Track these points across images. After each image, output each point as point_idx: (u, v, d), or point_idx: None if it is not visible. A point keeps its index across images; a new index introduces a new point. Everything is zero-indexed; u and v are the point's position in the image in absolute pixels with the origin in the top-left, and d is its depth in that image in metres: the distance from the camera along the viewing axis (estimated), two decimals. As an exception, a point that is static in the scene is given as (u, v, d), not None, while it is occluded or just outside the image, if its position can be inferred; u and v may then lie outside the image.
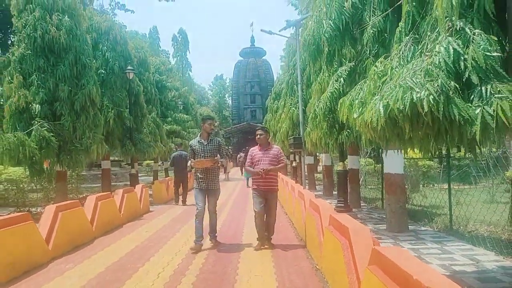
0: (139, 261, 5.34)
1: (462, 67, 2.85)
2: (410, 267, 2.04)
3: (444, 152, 7.73)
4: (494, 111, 2.66)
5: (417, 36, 3.52)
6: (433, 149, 3.29)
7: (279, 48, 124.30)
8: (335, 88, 7.21)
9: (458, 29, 2.95)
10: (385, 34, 5.28)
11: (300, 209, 6.75)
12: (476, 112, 2.72)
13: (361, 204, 10.23)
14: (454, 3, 2.87)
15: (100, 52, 12.43)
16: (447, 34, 2.99)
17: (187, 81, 44.80)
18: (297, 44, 11.22)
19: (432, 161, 13.32)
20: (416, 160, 11.89)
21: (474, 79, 2.79)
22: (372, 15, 5.55)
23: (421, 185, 13.19)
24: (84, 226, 7.00)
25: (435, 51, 2.97)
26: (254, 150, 6.00)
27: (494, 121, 2.65)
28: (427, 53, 3.09)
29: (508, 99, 2.66)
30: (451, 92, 2.79)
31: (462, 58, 2.85)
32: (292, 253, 5.53)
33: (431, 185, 14.15)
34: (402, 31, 3.78)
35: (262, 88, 56.79)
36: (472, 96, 2.80)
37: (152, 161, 23.66)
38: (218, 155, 6.11)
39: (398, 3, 4.55)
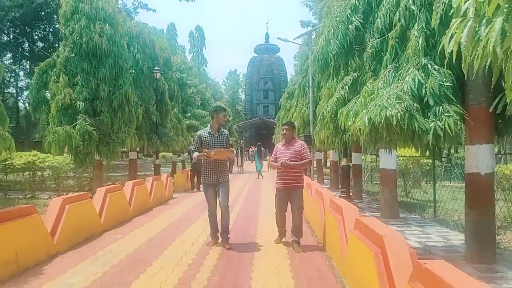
0: (174, 234, 6.64)
1: (423, 93, 4.02)
2: (463, 286, 1.87)
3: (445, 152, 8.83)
4: (443, 125, 3.84)
5: (397, 65, 4.69)
6: (404, 149, 4.48)
7: (293, 45, 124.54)
8: (341, 94, 8.36)
9: (423, 64, 4.13)
10: (381, 54, 6.42)
11: (318, 209, 6.38)
12: (431, 126, 3.90)
13: (363, 196, 11.41)
14: (420, 47, 4.04)
15: (131, 54, 13.74)
16: (416, 68, 4.17)
17: (202, 76, 46.06)
18: (309, 51, 12.38)
19: (436, 160, 14.36)
20: (417, 158, 12.96)
21: (431, 102, 3.96)
22: (371, 37, 6.67)
23: (423, 182, 14.25)
24: (124, 207, 8.34)
25: (406, 80, 4.15)
26: (278, 146, 5.79)
27: (443, 132, 3.83)
28: (400, 81, 4.27)
29: (453, 117, 3.84)
30: (414, 111, 3.97)
31: (424, 86, 4.03)
32: (309, 256, 5.14)
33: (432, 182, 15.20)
34: (388, 59, 4.95)
35: (275, 84, 57.94)
36: (429, 114, 3.99)
37: (168, 153, 25.13)
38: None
39: (393, 30, 5.68)
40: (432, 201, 9.69)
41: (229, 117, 42.60)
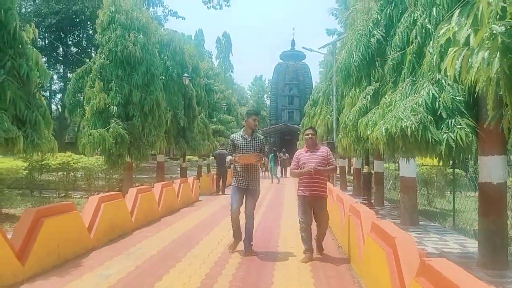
0: (201, 233, 7.03)
1: (437, 106, 4.26)
2: (460, 280, 2.08)
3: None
4: (455, 137, 4.07)
5: (414, 79, 4.93)
6: (421, 159, 4.71)
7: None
8: (363, 104, 8.58)
9: (437, 79, 4.36)
10: (402, 66, 6.65)
11: (338, 213, 6.53)
12: (444, 137, 4.13)
13: (385, 203, 11.51)
14: (435, 63, 4.28)
15: (162, 61, 14.36)
16: (430, 82, 4.41)
17: (228, 82, 46.79)
18: (333, 60, 12.63)
19: (460, 169, 14.26)
20: (441, 168, 12.93)
21: (444, 114, 4.20)
22: (392, 50, 6.91)
23: (448, 192, 14.16)
24: (154, 207, 8.82)
25: (421, 94, 4.40)
26: (301, 152, 5.44)
27: (455, 143, 4.06)
28: (416, 94, 4.52)
29: (465, 129, 4.06)
30: (428, 123, 4.21)
31: (437, 100, 4.26)
32: (333, 268, 4.89)
33: (458, 192, 15.07)
34: (406, 73, 5.19)
35: (300, 91, 58.08)
36: (442, 126, 4.22)
37: (193, 157, 25.79)
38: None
39: (411, 46, 5.91)
40: (456, 211, 9.74)
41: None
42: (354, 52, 7.63)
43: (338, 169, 15.27)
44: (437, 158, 4.38)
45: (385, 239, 3.56)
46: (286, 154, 25.43)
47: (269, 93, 65.32)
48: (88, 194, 13.05)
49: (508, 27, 1.77)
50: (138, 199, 7.95)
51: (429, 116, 4.23)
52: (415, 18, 5.12)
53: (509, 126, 2.15)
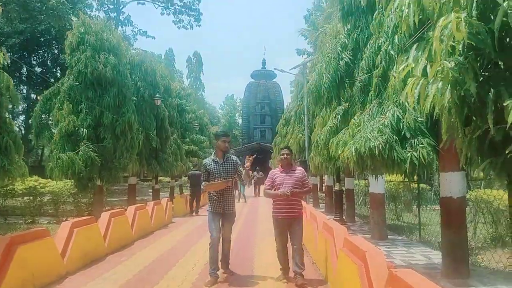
0: (176, 256, 7.01)
1: (401, 126, 4.56)
2: None
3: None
4: (418, 155, 4.35)
5: (380, 100, 5.25)
6: (389, 175, 4.98)
7: (290, 68, 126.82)
8: (333, 123, 8.90)
9: (400, 102, 4.67)
10: (369, 87, 7.02)
11: (312, 230, 6.63)
12: (408, 155, 4.42)
13: (356, 220, 11.82)
14: (398, 87, 4.60)
15: (133, 82, 14.29)
16: (394, 105, 4.72)
17: (200, 102, 46.87)
18: (304, 81, 13.06)
19: (425, 184, 14.85)
20: (408, 183, 13.45)
21: (408, 134, 4.50)
22: (360, 73, 7.30)
23: (414, 206, 14.70)
24: (127, 230, 8.70)
25: (387, 115, 4.69)
26: (275, 172, 5.30)
27: (418, 161, 4.34)
28: (382, 115, 4.82)
29: (426, 148, 4.36)
30: (393, 142, 4.49)
31: (401, 121, 4.56)
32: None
33: (423, 206, 15.67)
34: (372, 95, 5.52)
35: (272, 109, 58.82)
36: (406, 145, 4.51)
37: (165, 178, 25.47)
38: (236, 175, 5.53)
39: (377, 70, 6.27)
40: (422, 224, 10.16)
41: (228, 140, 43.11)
42: (324, 74, 7.99)
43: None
44: (402, 175, 4.65)
45: (356, 253, 3.75)
46: (260, 173, 25.56)
47: (241, 112, 65.78)
48: (55, 219, 12.64)
49: (457, 62, 2.02)
50: (111, 223, 7.82)
51: (394, 136, 4.52)
52: (380, 44, 5.48)
53: (461, 148, 2.40)
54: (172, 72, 44.27)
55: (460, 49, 2.03)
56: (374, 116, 5.19)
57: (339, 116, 8.70)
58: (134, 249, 7.88)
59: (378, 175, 5.73)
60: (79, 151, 10.63)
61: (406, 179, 7.68)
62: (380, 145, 4.44)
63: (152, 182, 17.32)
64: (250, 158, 5.47)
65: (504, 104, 1.80)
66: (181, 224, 11.87)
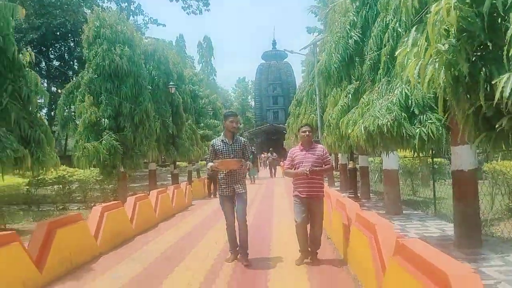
0: (198, 236, 7.42)
1: (410, 103, 4.75)
2: (434, 259, 2.35)
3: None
4: (427, 131, 4.55)
5: (389, 78, 5.42)
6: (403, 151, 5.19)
7: (301, 47, 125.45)
8: (345, 102, 9.06)
9: (409, 79, 4.85)
10: (379, 65, 7.15)
11: (326, 207, 6.26)
12: (417, 131, 4.62)
13: (371, 196, 12.06)
14: (399, 68, 4.77)
15: (148, 71, 14.63)
16: (403, 82, 4.89)
17: (212, 86, 47.05)
18: (314, 60, 13.14)
19: (444, 158, 14.86)
20: (425, 158, 13.52)
21: (416, 111, 4.68)
22: (369, 50, 7.42)
23: (432, 181, 14.78)
24: (151, 213, 9.16)
25: (395, 93, 4.88)
26: (295, 150, 5.14)
27: (427, 137, 4.54)
28: (391, 93, 5.00)
29: (435, 124, 4.55)
30: (402, 119, 4.69)
31: (410, 98, 4.74)
32: (329, 271, 4.82)
33: (442, 180, 15.73)
34: (381, 74, 5.68)
35: (284, 90, 58.70)
36: (415, 121, 4.70)
37: (182, 163, 26.05)
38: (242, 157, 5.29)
39: (385, 48, 6.40)
40: (438, 198, 10.32)
41: (240, 124, 43.66)
42: (333, 54, 8.13)
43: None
44: (412, 151, 4.86)
45: (367, 227, 3.98)
46: (274, 154, 25.85)
47: (253, 94, 65.79)
48: (84, 205, 13.27)
49: (450, 45, 2.22)
50: (136, 206, 8.28)
51: (403, 113, 4.71)
52: (387, 22, 5.61)
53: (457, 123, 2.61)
54: (183, 58, 44.41)
55: (453, 32, 2.23)
56: (383, 94, 5.37)
57: (350, 95, 8.84)
58: (158, 230, 8.33)
59: (389, 152, 5.94)
60: (102, 140, 11.06)
61: (422, 154, 7.82)
62: (389, 123, 4.65)
63: (171, 167, 17.79)
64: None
65: (492, 82, 2.01)
66: (200, 206, 12.33)
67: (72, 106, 13.19)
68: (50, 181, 12.84)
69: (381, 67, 5.73)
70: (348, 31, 7.93)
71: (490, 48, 2.14)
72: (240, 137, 5.47)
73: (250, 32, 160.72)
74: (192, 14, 34.04)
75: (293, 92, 42.16)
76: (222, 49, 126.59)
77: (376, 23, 6.17)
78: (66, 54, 31.49)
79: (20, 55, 6.11)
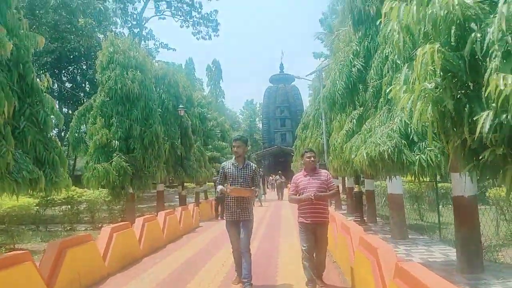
0: (205, 257, 7.52)
1: (409, 131, 4.93)
2: (429, 281, 2.46)
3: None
4: (426, 158, 4.71)
5: (390, 107, 5.63)
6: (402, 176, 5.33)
7: (308, 71, 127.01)
8: (349, 127, 9.25)
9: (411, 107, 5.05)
10: (381, 93, 7.38)
11: (331, 231, 6.45)
12: (416, 158, 4.78)
13: (377, 220, 12.07)
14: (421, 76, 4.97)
15: (158, 94, 15.05)
16: (402, 111, 5.08)
17: (220, 108, 47.69)
18: (320, 86, 13.43)
19: (450, 183, 14.84)
20: (431, 183, 13.54)
21: (416, 138, 4.86)
22: (372, 79, 7.67)
23: (440, 206, 14.74)
24: (159, 234, 9.29)
25: (395, 121, 5.07)
26: (299, 176, 5.16)
27: (426, 163, 4.70)
28: (391, 121, 5.19)
29: (434, 151, 4.71)
30: (402, 146, 4.86)
31: (409, 126, 4.93)
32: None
33: (449, 205, 15.65)
34: (382, 102, 5.89)
35: (292, 113, 59.13)
36: (415, 148, 4.87)
37: (190, 184, 26.26)
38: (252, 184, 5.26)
39: (385, 78, 6.63)
40: (444, 223, 10.33)
41: (248, 146, 43.76)
42: (337, 81, 8.40)
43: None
44: (412, 177, 5.01)
45: (370, 250, 4.12)
46: (283, 177, 25.94)
47: (261, 116, 66.34)
48: (92, 226, 13.46)
49: (436, 84, 2.42)
50: (144, 228, 8.43)
51: (403, 141, 4.89)
52: (387, 54, 5.85)
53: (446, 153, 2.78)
54: (193, 81, 45.26)
55: (438, 72, 2.43)
56: (384, 121, 5.57)
57: (354, 120, 9.05)
58: (166, 251, 8.45)
59: (392, 177, 6.08)
60: (112, 161, 11.34)
61: (428, 179, 7.92)
62: (389, 149, 4.82)
63: (179, 189, 17.98)
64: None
65: (474, 119, 2.19)
66: (208, 228, 12.42)
67: (83, 127, 13.57)
68: (59, 201, 13.06)
69: (382, 96, 5.94)
70: (351, 60, 8.22)
71: (472, 87, 2.33)
72: (251, 163, 5.44)
73: (258, 56, 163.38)
74: (201, 39, 34.93)
75: (301, 115, 42.46)
76: (230, 72, 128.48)
77: (376, 54, 6.43)
78: (78, 77, 32.33)
79: (38, 80, 6.42)
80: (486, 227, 7.32)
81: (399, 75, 3.06)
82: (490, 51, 2.10)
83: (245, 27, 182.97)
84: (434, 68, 2.42)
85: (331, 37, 22.98)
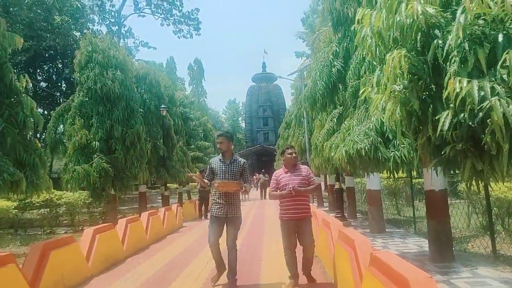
0: (189, 257, 7.60)
1: (385, 129, 5.14)
2: (399, 267, 2.68)
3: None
4: (400, 154, 4.93)
5: (367, 106, 5.83)
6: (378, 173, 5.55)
7: (290, 70, 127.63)
8: (330, 126, 9.48)
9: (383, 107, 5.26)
10: (359, 92, 7.61)
11: (315, 228, 6.30)
12: (391, 155, 5.00)
13: (357, 216, 12.38)
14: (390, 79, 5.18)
15: (139, 94, 14.98)
16: (378, 110, 5.29)
17: (202, 108, 47.54)
18: (302, 85, 13.65)
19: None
20: (408, 179, 13.95)
21: (390, 136, 5.07)
22: (351, 79, 7.89)
23: (417, 201, 15.20)
24: (142, 235, 9.31)
25: (371, 120, 5.27)
26: (279, 173, 5.12)
27: (400, 160, 4.92)
28: (368, 120, 5.40)
29: (407, 148, 4.93)
30: (378, 144, 5.07)
31: (384, 124, 5.14)
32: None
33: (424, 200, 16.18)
34: (360, 101, 6.10)
35: (274, 112, 59.49)
36: (390, 146, 5.09)
37: (173, 185, 26.18)
38: (241, 179, 5.19)
39: (362, 78, 6.84)
40: (419, 217, 10.69)
41: (232, 141, 43.68)
42: (318, 81, 8.60)
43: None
44: (387, 172, 5.23)
45: (348, 242, 4.32)
46: (266, 175, 26.08)
47: (244, 115, 66.45)
48: (72, 229, 13.30)
49: (403, 86, 2.61)
50: (128, 229, 8.44)
51: (378, 138, 5.10)
52: (363, 55, 6.06)
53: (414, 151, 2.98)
54: (174, 80, 45.00)
55: (406, 75, 2.61)
56: (362, 120, 5.77)
57: (334, 119, 9.28)
58: (149, 252, 8.48)
59: (369, 173, 6.30)
60: (93, 163, 11.25)
61: (405, 175, 8.21)
62: (366, 147, 5.03)
63: (161, 189, 17.95)
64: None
65: (436, 118, 2.38)
66: (192, 228, 12.47)
67: (61, 128, 13.39)
68: (38, 204, 12.88)
69: (360, 96, 6.14)
70: (331, 60, 8.43)
71: (434, 89, 2.52)
72: (240, 158, 5.31)
73: (241, 55, 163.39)
74: (182, 38, 34.76)
75: (283, 114, 42.74)
76: (213, 71, 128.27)
77: (354, 56, 6.64)
78: (54, 76, 31.67)
79: (17, 81, 6.39)
80: (458, 220, 7.68)
81: (371, 77, 3.24)
82: (450, 57, 2.29)
83: (228, 25, 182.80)
84: (402, 71, 2.60)
85: (313, 36, 23.29)
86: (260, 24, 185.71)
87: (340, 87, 8.65)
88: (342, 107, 8.90)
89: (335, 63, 8.44)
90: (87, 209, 14.19)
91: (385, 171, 6.19)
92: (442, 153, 2.50)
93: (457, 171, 2.87)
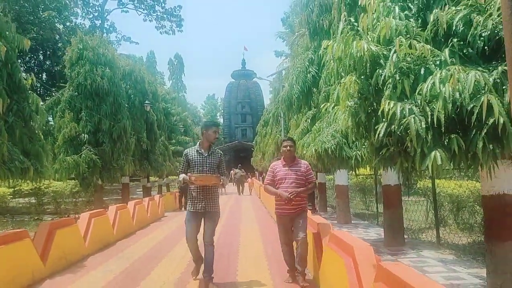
0: (173, 240, 8.42)
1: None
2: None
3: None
4: (361, 154, 5.91)
5: (336, 111, 6.79)
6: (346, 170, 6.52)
7: (269, 68, 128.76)
8: (305, 126, 10.42)
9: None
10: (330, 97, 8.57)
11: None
12: (353, 154, 5.97)
13: (328, 209, 13.46)
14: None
15: (125, 90, 15.55)
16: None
17: (182, 103, 47.85)
18: (280, 87, 14.59)
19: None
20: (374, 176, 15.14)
21: (353, 138, 6.03)
22: (324, 84, 8.84)
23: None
24: (129, 221, 10.05)
25: (338, 123, 6.23)
26: (277, 165, 4.84)
27: (361, 158, 5.90)
28: (335, 123, 6.35)
29: (367, 148, 5.91)
30: (343, 144, 6.03)
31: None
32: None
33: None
34: (330, 105, 7.04)
35: (253, 108, 60.38)
36: (353, 146, 6.05)
37: (152, 177, 26.74)
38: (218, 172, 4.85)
39: (332, 86, 7.80)
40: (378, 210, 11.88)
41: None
42: (294, 85, 9.54)
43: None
44: (350, 169, 6.21)
45: (343, 248, 3.65)
46: (243, 170, 26.80)
47: (222, 111, 67.06)
48: (58, 216, 13.79)
49: (354, 103, 3.52)
50: (117, 215, 9.17)
51: (343, 139, 6.06)
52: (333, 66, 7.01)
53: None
54: (154, 74, 45.10)
55: (356, 94, 3.53)
56: (330, 123, 6.72)
57: (309, 120, 10.23)
58: (136, 237, 9.25)
59: (336, 170, 7.28)
60: (81, 154, 11.85)
61: (359, 172, 9.25)
62: (332, 146, 5.98)
63: (143, 181, 18.57)
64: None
65: (376, 127, 3.31)
66: (173, 218, 13.25)
67: (50, 120, 13.85)
68: (26, 192, 13.36)
69: (331, 99, 7.08)
70: (307, 66, 9.38)
71: (375, 106, 3.45)
72: (217, 150, 5.02)
73: (221, 51, 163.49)
74: (165, 34, 35.10)
75: (261, 111, 43.71)
76: (192, 66, 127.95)
77: (325, 66, 7.57)
78: (35, 67, 31.54)
79: (24, 80, 7.02)
80: (418, 214, 8.76)
81: (333, 93, 4.16)
82: (386, 83, 3.21)
83: (209, 22, 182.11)
84: (353, 92, 3.51)
85: (292, 37, 24.26)
86: (242, 21, 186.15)
87: (315, 90, 9.60)
88: (316, 109, 9.86)
89: (311, 69, 9.38)
90: (73, 198, 14.72)
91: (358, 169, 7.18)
92: (380, 153, 3.43)
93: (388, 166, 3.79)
